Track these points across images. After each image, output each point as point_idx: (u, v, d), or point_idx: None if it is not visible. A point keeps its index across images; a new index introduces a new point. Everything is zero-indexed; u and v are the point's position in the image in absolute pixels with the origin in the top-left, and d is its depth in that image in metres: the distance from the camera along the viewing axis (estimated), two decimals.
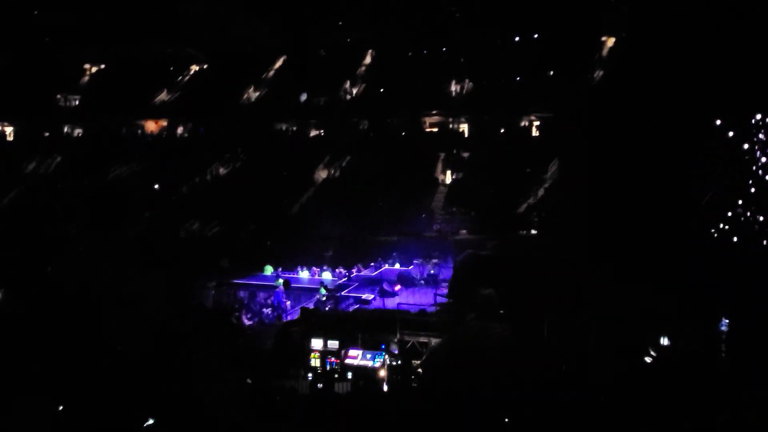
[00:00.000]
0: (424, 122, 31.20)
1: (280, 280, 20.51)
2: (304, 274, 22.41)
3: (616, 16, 28.20)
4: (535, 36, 29.76)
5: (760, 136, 20.58)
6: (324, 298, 18.99)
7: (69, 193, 29.74)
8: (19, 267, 20.76)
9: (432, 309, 17.38)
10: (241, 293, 20.66)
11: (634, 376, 11.27)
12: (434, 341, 14.52)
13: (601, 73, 28.49)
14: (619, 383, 10.56)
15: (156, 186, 29.28)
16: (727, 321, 13.94)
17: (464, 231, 24.42)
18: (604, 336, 12.89)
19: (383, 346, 14.44)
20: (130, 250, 22.79)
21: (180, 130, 34.26)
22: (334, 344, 14.75)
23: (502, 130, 29.41)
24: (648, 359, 12.37)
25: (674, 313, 13.79)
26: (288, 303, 19.26)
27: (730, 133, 20.58)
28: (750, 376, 10.62)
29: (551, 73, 28.78)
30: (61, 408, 8.13)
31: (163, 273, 19.70)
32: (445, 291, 18.53)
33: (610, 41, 29.12)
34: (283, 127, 32.88)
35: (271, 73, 34.24)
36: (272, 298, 19.51)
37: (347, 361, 14.64)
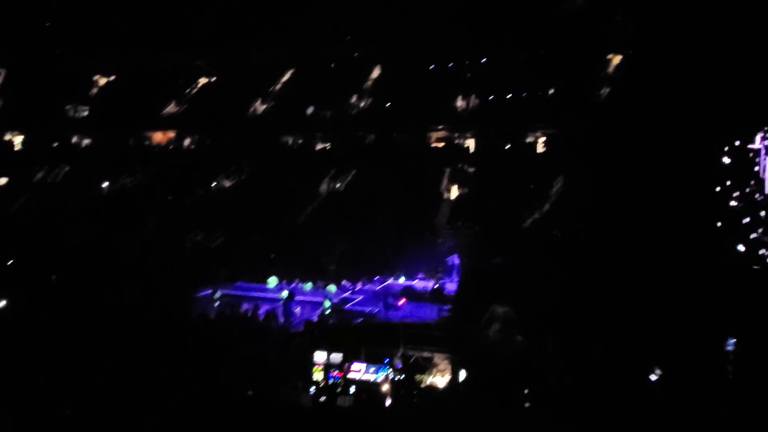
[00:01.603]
0: (430, 137, 31.27)
1: (285, 292, 20.53)
2: (308, 286, 22.40)
3: (622, 33, 28.30)
4: (542, 52, 29.86)
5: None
6: (328, 311, 18.96)
7: (76, 202, 29.92)
8: (25, 275, 20.84)
9: (436, 323, 17.33)
10: (245, 305, 20.65)
11: (638, 394, 11.19)
12: (438, 356, 14.47)
13: (607, 90, 28.54)
14: (624, 401, 10.48)
15: (169, 197, 29.43)
16: (734, 341, 13.85)
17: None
18: (609, 353, 12.81)
19: (387, 360, 14.40)
20: (135, 260, 22.86)
21: (187, 141, 34.48)
22: (337, 357, 14.72)
23: (508, 146, 29.45)
24: (653, 377, 12.29)
25: (680, 331, 13.70)
26: (298, 309, 19.27)
27: (739, 150, 20.58)
28: (756, 396, 10.52)
29: (557, 89, 28.85)
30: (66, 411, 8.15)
31: (167, 283, 19.75)
32: (450, 306, 18.50)
33: (616, 59, 29.20)
34: (290, 140, 33.02)
35: (279, 86, 34.47)
36: (278, 309, 19.52)
37: (350, 374, 14.59)
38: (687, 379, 12.27)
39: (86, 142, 35.74)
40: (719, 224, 20.08)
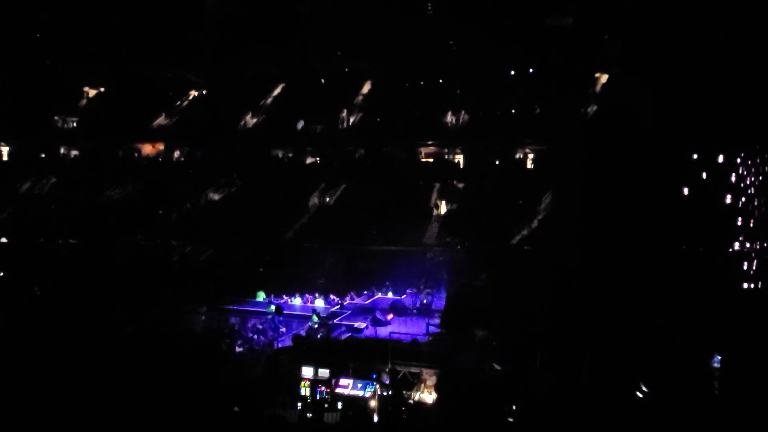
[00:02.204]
0: (420, 152, 31.43)
1: (272, 307, 20.43)
2: (296, 300, 22.32)
3: (610, 52, 28.76)
4: (531, 70, 30.26)
5: (747, 170, 20.84)
6: (316, 326, 18.87)
7: (62, 214, 29.69)
8: (10, 287, 20.62)
9: (424, 339, 17.30)
10: (233, 319, 20.53)
11: (626, 411, 11.21)
12: (426, 372, 14.43)
13: (595, 108, 28.91)
14: (611, 416, 10.50)
15: (159, 210, 29.28)
16: (720, 357, 13.93)
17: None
18: (596, 371, 12.85)
19: (374, 376, 14.34)
20: (123, 273, 22.70)
21: (176, 153, 34.39)
22: (324, 373, 14.64)
23: (498, 162, 29.68)
24: (639, 394, 12.32)
25: (667, 348, 13.78)
26: (283, 329, 19.20)
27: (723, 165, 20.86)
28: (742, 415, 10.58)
29: (546, 106, 29.17)
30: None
31: (154, 296, 19.61)
32: (438, 321, 18.49)
33: (604, 77, 29.64)
34: (279, 154, 33.05)
35: (269, 99, 34.55)
36: (266, 324, 19.43)
37: (338, 390, 14.50)
38: (674, 396, 12.32)
39: (74, 153, 35.54)
40: (709, 240, 20.29)
